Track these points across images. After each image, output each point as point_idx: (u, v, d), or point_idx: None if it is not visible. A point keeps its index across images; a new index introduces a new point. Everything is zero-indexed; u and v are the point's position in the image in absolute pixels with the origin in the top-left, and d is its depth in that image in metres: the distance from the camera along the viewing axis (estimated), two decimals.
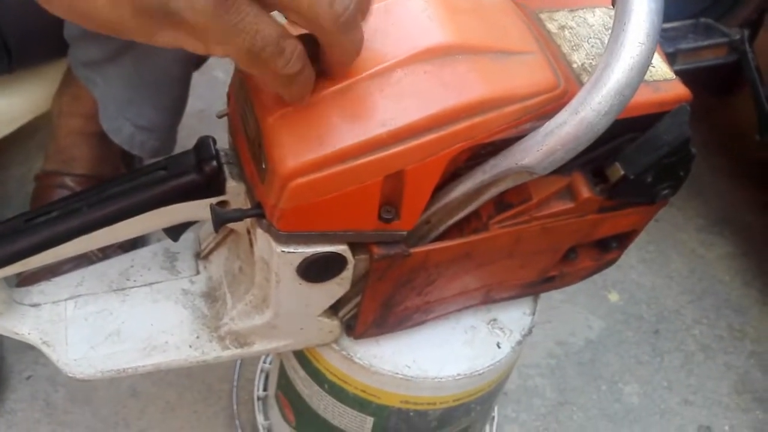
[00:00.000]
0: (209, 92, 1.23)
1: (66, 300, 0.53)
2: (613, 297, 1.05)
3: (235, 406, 0.82)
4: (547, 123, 0.40)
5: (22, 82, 0.99)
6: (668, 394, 0.96)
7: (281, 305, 0.48)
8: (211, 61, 1.30)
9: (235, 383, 0.83)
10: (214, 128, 1.19)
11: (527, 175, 0.42)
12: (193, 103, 1.22)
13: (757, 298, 1.10)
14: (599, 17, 0.49)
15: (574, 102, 0.38)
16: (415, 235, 0.46)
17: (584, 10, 0.50)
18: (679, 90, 0.46)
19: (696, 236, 1.18)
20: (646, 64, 0.38)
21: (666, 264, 1.12)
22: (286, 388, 0.68)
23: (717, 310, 1.07)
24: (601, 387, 0.94)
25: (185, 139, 1.16)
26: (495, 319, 0.59)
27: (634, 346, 1.00)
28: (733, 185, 1.25)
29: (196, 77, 1.28)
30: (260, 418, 0.77)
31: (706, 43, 0.70)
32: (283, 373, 0.68)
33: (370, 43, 0.41)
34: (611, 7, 0.50)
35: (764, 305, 1.09)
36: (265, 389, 0.80)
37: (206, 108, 1.21)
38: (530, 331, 0.59)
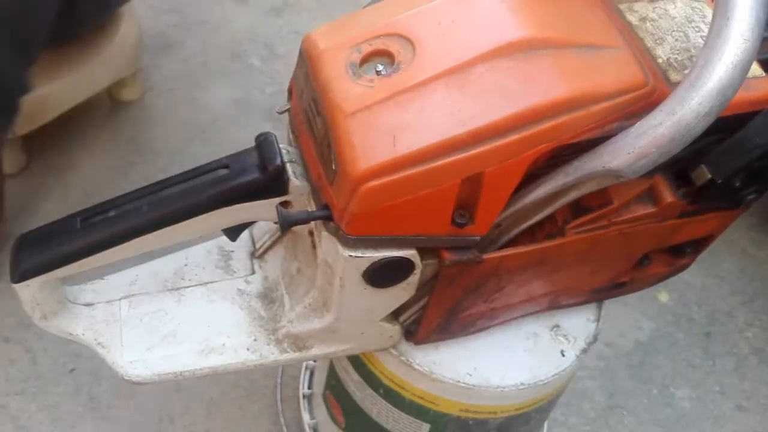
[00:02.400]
0: (245, 80, 1.22)
1: (120, 299, 0.52)
2: (663, 297, 1.02)
3: (279, 404, 0.80)
4: (638, 123, 0.37)
5: (65, 68, 0.99)
6: (721, 399, 0.93)
7: (343, 310, 0.46)
8: (246, 47, 1.29)
9: (279, 380, 0.82)
10: (253, 118, 1.18)
11: (613, 178, 0.39)
12: (229, 92, 1.21)
13: None
14: (681, 9, 0.46)
15: (670, 101, 0.36)
16: (484, 239, 0.44)
17: (664, 1, 0.47)
18: None
19: (747, 234, 1.14)
20: (749, 62, 0.35)
21: (716, 263, 1.08)
22: (336, 389, 0.66)
23: None
24: (651, 391, 0.92)
25: (223, 130, 1.15)
26: (558, 326, 0.57)
27: (685, 349, 0.97)
28: None
29: (231, 65, 1.26)
30: (306, 417, 0.75)
31: None
32: (333, 374, 0.66)
33: (448, 35, 0.39)
34: None
35: None
36: (310, 387, 0.78)
37: (243, 97, 1.19)
38: (595, 339, 0.57)
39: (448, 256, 0.42)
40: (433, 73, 0.38)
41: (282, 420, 0.79)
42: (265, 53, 1.28)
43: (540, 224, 0.45)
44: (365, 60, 0.39)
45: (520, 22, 0.39)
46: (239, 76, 1.23)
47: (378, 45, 0.39)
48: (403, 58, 0.39)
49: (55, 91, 1.00)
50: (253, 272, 0.54)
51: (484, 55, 0.38)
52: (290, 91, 0.47)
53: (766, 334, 1.01)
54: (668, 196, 0.44)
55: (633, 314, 0.98)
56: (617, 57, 0.40)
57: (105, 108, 1.14)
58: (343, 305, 0.46)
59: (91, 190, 1.01)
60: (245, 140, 0.44)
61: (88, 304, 0.51)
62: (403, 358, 0.53)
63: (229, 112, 1.17)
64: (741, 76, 0.35)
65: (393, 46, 0.39)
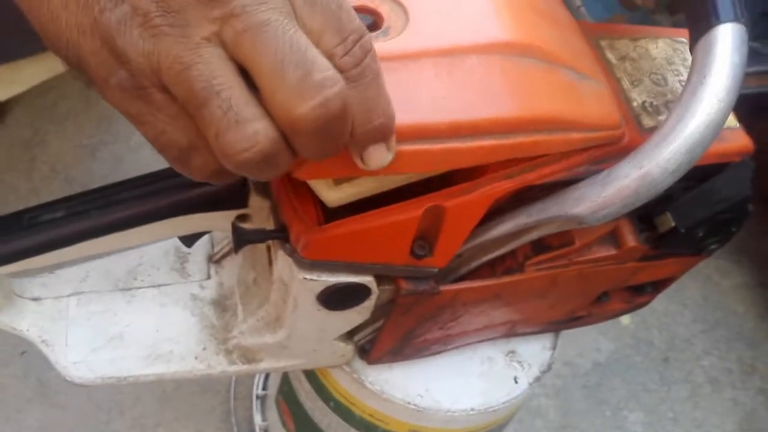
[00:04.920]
0: None
1: (69, 296, 0.50)
2: (625, 320, 1.02)
3: (232, 402, 0.80)
4: (605, 172, 0.36)
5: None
6: (672, 425, 0.94)
7: (296, 328, 0.45)
8: None
9: (234, 377, 0.81)
10: None
11: (576, 223, 0.39)
12: None
13: None
14: (662, 49, 0.46)
15: (638, 154, 0.35)
16: (443, 270, 0.43)
17: (647, 39, 0.46)
18: (742, 141, 0.43)
19: (713, 262, 1.15)
20: (722, 122, 0.34)
21: (680, 289, 1.09)
22: (287, 396, 0.66)
23: (728, 342, 1.05)
24: (605, 412, 0.92)
25: None
26: (513, 351, 0.56)
27: (642, 373, 0.98)
28: (754, 213, 1.22)
29: None
30: (257, 418, 0.75)
31: (751, 69, 0.67)
32: (286, 380, 0.66)
33: (446, 14, 0.35)
34: (676, 38, 0.47)
35: None
36: (264, 388, 0.77)
37: None
38: (549, 368, 0.57)
39: (405, 286, 0.41)
40: (425, 49, 0.34)
41: (233, 419, 0.78)
42: None
43: (500, 257, 0.44)
44: None
45: (523, 26, 0.36)
46: None
47: (366, 1, 0.36)
48: (393, 24, 0.35)
49: (30, 60, 0.97)
50: (209, 277, 0.53)
51: (481, 46, 0.34)
52: None
53: (722, 363, 1.02)
54: (631, 240, 0.43)
55: (593, 335, 0.99)
56: (599, 91, 0.39)
57: (80, 82, 1.11)
58: (296, 324, 0.45)
59: (59, 167, 0.98)
60: None
61: (35, 299, 0.50)
62: (355, 376, 0.52)
63: None
64: (712, 135, 0.35)
65: (383, 8, 0.36)
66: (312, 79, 0.25)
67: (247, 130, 0.25)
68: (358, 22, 0.27)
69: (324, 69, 0.25)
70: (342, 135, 0.27)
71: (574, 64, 0.38)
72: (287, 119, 0.25)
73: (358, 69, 0.27)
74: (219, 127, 0.25)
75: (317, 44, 0.26)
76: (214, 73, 0.25)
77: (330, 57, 0.26)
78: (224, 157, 0.26)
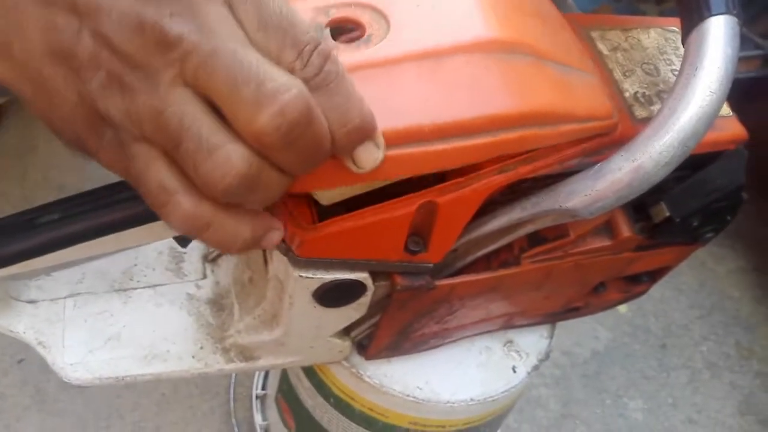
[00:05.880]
0: None
1: (65, 298, 0.50)
2: (622, 308, 1.03)
3: (232, 403, 0.80)
4: (598, 165, 0.36)
5: None
6: (673, 411, 0.94)
7: (292, 325, 0.45)
8: None
9: (232, 379, 0.81)
10: None
11: (569, 216, 0.39)
12: None
13: (767, 316, 1.08)
14: (654, 39, 0.46)
15: (631, 147, 0.35)
16: (438, 265, 0.43)
17: (638, 30, 0.46)
18: (735, 129, 0.43)
19: (707, 248, 1.14)
20: (714, 114, 0.34)
21: (676, 275, 1.10)
22: (287, 394, 0.66)
23: (725, 327, 1.05)
24: (605, 401, 0.93)
25: None
26: (511, 341, 0.56)
27: (640, 360, 0.98)
28: (747, 197, 1.22)
29: None
30: (258, 418, 0.75)
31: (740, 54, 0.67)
32: (285, 379, 0.66)
33: (426, 19, 0.36)
34: (667, 28, 0.47)
35: None
36: (263, 388, 0.77)
37: None
38: (547, 356, 0.57)
39: (400, 281, 0.41)
40: (407, 53, 0.34)
41: (233, 420, 0.79)
42: None
43: (495, 251, 0.44)
44: (330, 26, 0.36)
45: (506, 23, 0.36)
46: None
47: (347, 12, 0.36)
48: (375, 32, 0.35)
49: None
50: (205, 276, 0.53)
51: (463, 46, 0.34)
52: None
53: (720, 348, 1.03)
54: (625, 230, 0.44)
55: (590, 324, 0.99)
56: (590, 82, 0.38)
57: None
58: (292, 321, 0.45)
59: (51, 173, 0.98)
60: None
61: (31, 302, 0.50)
62: (353, 370, 0.52)
63: None
64: (705, 126, 0.35)
65: (365, 17, 0.36)
66: (266, 89, 0.25)
67: (220, 156, 0.26)
68: (311, 33, 0.27)
69: (276, 78, 0.26)
70: (318, 142, 0.27)
71: (561, 58, 0.38)
72: (252, 134, 0.26)
73: (321, 75, 0.27)
74: (195, 159, 0.26)
75: (278, 64, 0.27)
76: (182, 111, 0.26)
77: (291, 72, 0.27)
78: (208, 188, 0.27)
